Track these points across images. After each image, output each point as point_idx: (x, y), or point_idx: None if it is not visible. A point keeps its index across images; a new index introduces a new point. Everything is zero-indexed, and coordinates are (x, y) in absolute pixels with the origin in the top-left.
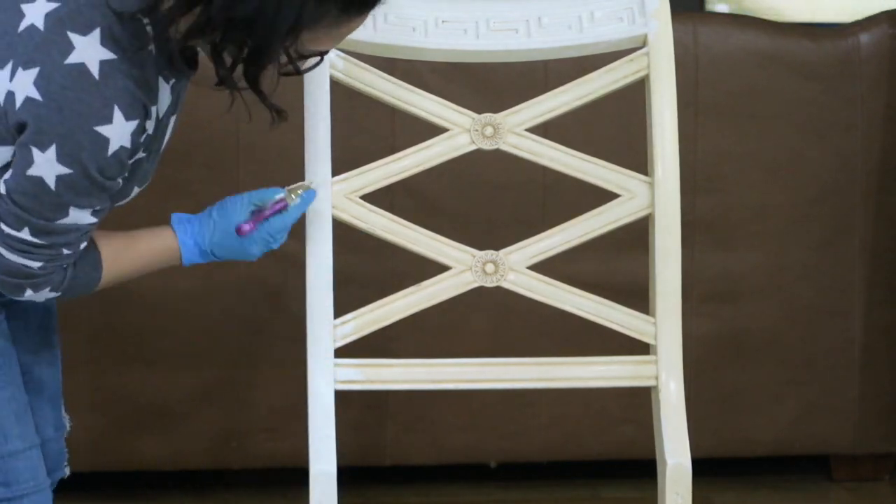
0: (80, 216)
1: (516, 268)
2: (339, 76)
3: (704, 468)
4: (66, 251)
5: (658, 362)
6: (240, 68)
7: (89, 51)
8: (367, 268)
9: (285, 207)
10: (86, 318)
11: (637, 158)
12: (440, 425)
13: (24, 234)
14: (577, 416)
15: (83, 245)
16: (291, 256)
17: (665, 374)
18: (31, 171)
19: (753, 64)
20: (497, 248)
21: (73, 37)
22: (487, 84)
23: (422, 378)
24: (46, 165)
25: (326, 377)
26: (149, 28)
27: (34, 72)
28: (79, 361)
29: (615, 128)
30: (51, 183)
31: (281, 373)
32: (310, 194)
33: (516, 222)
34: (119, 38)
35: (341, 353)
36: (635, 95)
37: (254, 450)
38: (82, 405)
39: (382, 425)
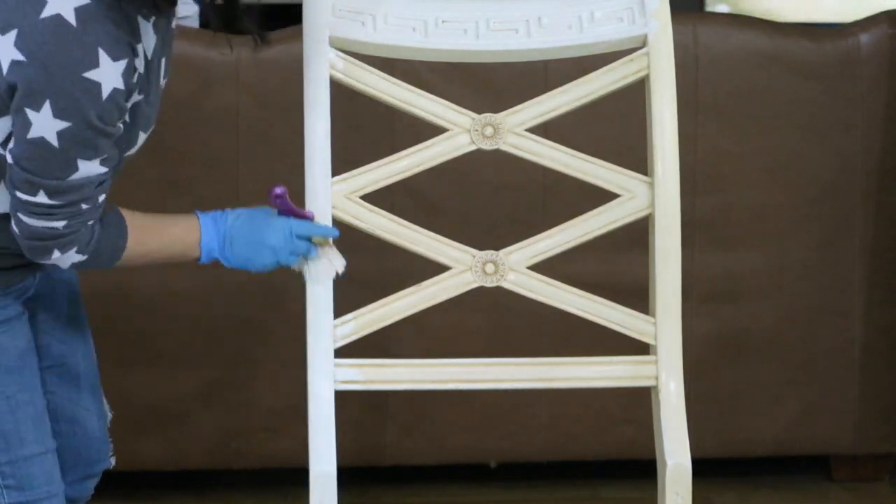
0: (89, 168)
1: (516, 268)
2: (339, 76)
3: (704, 468)
4: (84, 206)
5: (658, 362)
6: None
7: (61, 1)
8: (367, 268)
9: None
10: None
11: (637, 158)
12: (440, 425)
13: (41, 198)
14: (577, 416)
15: (101, 199)
16: None
17: (665, 374)
18: (32, 134)
19: (753, 64)
20: (497, 248)
21: None
22: (487, 84)
23: (422, 378)
24: (45, 124)
25: (326, 377)
26: None
27: (13, 34)
28: None
29: (615, 128)
30: (53, 141)
31: (281, 373)
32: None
33: (516, 222)
34: None
35: (341, 353)
36: (635, 95)
37: (254, 450)
38: None
39: (382, 425)
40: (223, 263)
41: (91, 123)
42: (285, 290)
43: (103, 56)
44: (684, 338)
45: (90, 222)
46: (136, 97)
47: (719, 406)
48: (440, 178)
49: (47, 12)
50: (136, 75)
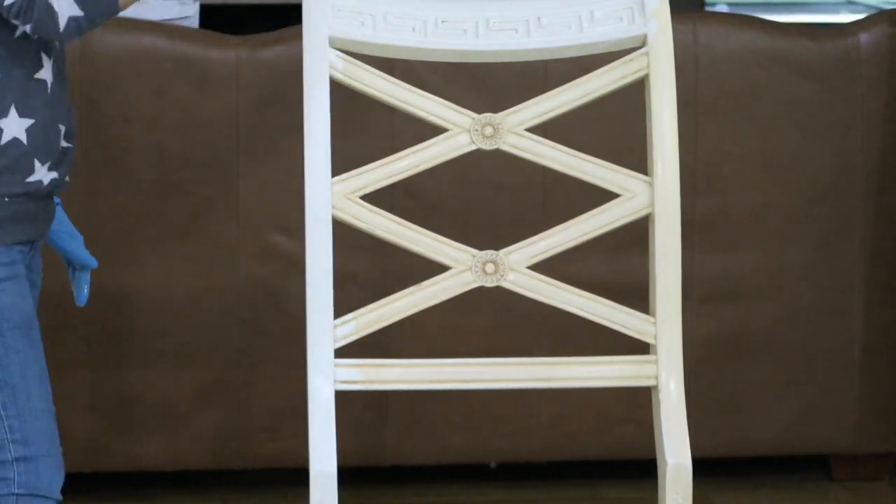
0: None
1: (516, 268)
2: (339, 76)
3: (704, 468)
4: None
5: (658, 362)
6: None
7: None
8: (367, 268)
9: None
10: (86, 319)
11: (637, 158)
12: (440, 425)
13: None
14: (577, 416)
15: None
16: (291, 256)
17: (665, 374)
18: None
19: (753, 64)
20: (497, 248)
21: None
22: (487, 84)
23: (422, 378)
24: None
25: (326, 377)
26: None
27: None
28: (79, 362)
29: (615, 128)
30: None
31: (281, 373)
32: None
33: (516, 222)
34: None
35: (341, 353)
36: (635, 95)
37: (254, 450)
38: (82, 405)
39: (382, 425)
40: None
41: None
42: (285, 290)
43: None
44: (684, 338)
45: None
46: None
47: (719, 406)
48: (440, 178)
49: None
50: None
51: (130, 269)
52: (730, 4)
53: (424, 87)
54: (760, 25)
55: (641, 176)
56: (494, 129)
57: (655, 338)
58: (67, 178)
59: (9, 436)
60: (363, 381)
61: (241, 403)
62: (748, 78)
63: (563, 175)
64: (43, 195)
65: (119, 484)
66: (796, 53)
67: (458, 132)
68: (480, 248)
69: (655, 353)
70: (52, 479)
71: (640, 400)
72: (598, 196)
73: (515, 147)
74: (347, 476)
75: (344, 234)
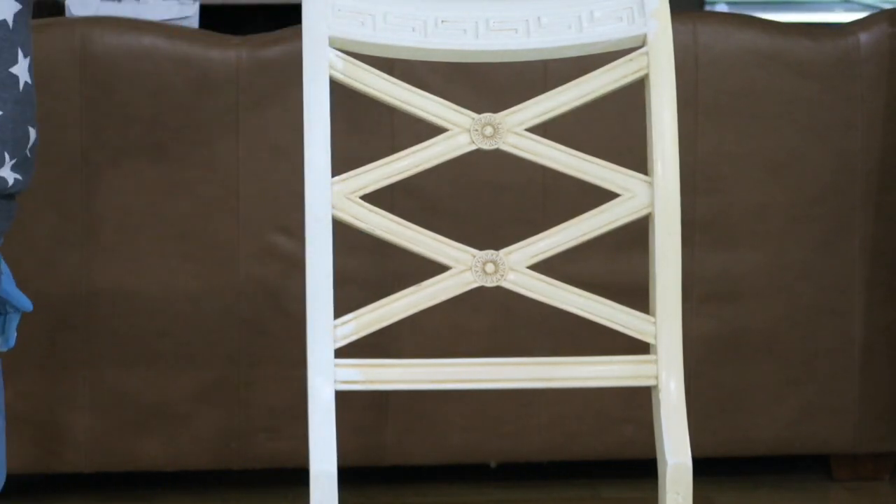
0: None
1: (516, 268)
2: (339, 76)
3: (704, 468)
4: None
5: (658, 362)
6: None
7: None
8: (367, 268)
9: None
10: (85, 319)
11: (637, 158)
12: (440, 425)
13: None
14: (577, 416)
15: None
16: (291, 256)
17: (665, 374)
18: None
19: (753, 64)
20: (497, 248)
21: None
22: (487, 84)
23: (422, 378)
24: None
25: (326, 377)
26: None
27: None
28: (78, 362)
29: (615, 128)
30: None
31: (281, 373)
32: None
33: (516, 222)
34: None
35: (341, 353)
36: (635, 95)
37: (254, 450)
38: (82, 405)
39: (382, 425)
40: None
41: None
42: (285, 290)
43: None
44: (684, 338)
45: None
46: None
47: (719, 406)
48: (440, 178)
49: None
50: None
51: (130, 269)
52: (729, 3)
53: (424, 87)
54: (760, 25)
55: (641, 176)
56: (494, 129)
57: (655, 338)
58: (26, 187)
59: None
60: (363, 381)
61: (241, 403)
62: (748, 78)
63: (563, 175)
64: (4, 196)
65: (119, 484)
66: (796, 53)
67: (458, 132)
68: (480, 248)
69: (655, 352)
70: None
71: (640, 400)
72: (598, 196)
73: (515, 147)
74: (347, 476)
75: (344, 234)
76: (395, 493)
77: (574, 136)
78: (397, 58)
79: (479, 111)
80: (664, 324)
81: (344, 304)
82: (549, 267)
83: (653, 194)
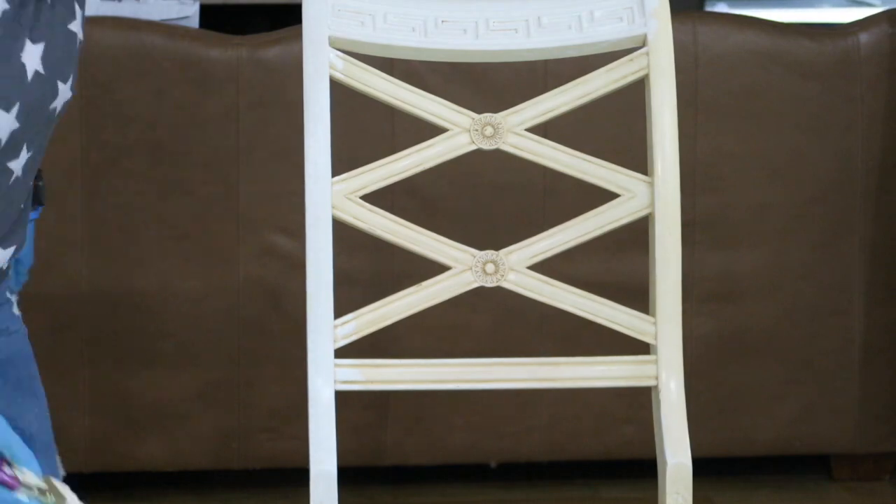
0: None
1: (516, 268)
2: (339, 76)
3: (704, 468)
4: None
5: (658, 362)
6: None
7: None
8: (367, 268)
9: (14, 486)
10: (86, 319)
11: (637, 158)
12: (440, 425)
13: None
14: (577, 416)
15: None
16: (291, 256)
17: (665, 374)
18: None
19: (753, 64)
20: (497, 248)
21: None
22: (487, 84)
23: (422, 378)
24: None
25: (326, 377)
26: None
27: None
28: (79, 362)
29: (615, 128)
30: None
31: (281, 373)
32: None
33: (516, 222)
34: None
35: (341, 353)
36: (635, 95)
37: (254, 450)
38: (82, 405)
39: (382, 425)
40: None
41: None
42: (285, 290)
43: None
44: (684, 338)
45: None
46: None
47: (719, 405)
48: (440, 178)
49: None
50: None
51: (130, 269)
52: (728, 2)
53: (424, 87)
54: (760, 25)
55: (641, 176)
56: (494, 129)
57: (655, 338)
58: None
59: None
60: (363, 381)
61: (241, 403)
62: (748, 78)
63: (563, 175)
64: None
65: (119, 484)
66: (796, 53)
67: (458, 132)
68: (480, 248)
69: (655, 353)
70: None
71: (640, 400)
72: (598, 196)
73: (515, 147)
74: (347, 476)
75: (344, 234)
76: (395, 493)
77: (574, 136)
78: (397, 58)
79: (479, 111)
80: (664, 324)
81: (344, 304)
82: (549, 267)
83: (653, 194)
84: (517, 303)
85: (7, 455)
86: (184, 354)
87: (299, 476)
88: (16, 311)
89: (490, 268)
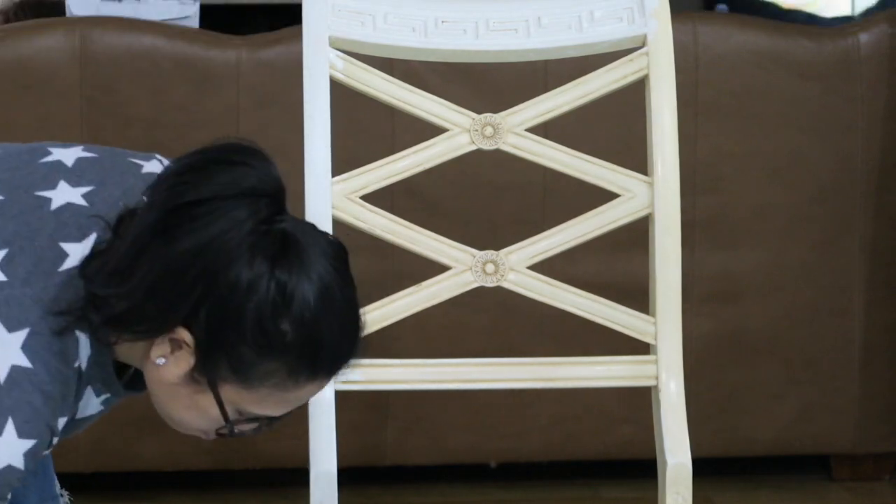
0: None
1: (516, 268)
2: (339, 76)
3: (704, 468)
4: None
5: (658, 362)
6: None
7: (5, 350)
8: (367, 268)
9: None
10: None
11: (637, 158)
12: (440, 425)
13: None
14: (577, 416)
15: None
16: None
17: (665, 374)
18: None
19: (753, 64)
20: (497, 248)
21: None
22: (487, 84)
23: (422, 378)
24: None
25: None
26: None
27: None
28: None
29: (615, 128)
30: None
31: None
32: None
33: (516, 222)
34: (44, 348)
35: None
36: (635, 95)
37: (254, 450)
38: None
39: (382, 425)
40: None
41: None
42: None
43: (9, 427)
44: (684, 338)
45: None
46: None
47: (719, 406)
48: (440, 178)
49: None
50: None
51: None
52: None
53: (424, 87)
54: (760, 25)
55: (641, 176)
56: (494, 129)
57: (655, 338)
58: None
59: None
60: (363, 381)
61: None
62: (748, 78)
63: (563, 175)
64: None
65: (119, 484)
66: (796, 53)
67: (458, 132)
68: (480, 248)
69: (655, 353)
70: None
71: (640, 400)
72: (598, 196)
73: (515, 147)
74: (347, 476)
75: (344, 234)
76: (395, 493)
77: (574, 136)
78: (397, 58)
79: (479, 111)
80: (664, 324)
81: None
82: (548, 267)
83: (653, 194)
84: (517, 303)
85: None
86: None
87: (299, 476)
88: None
89: (490, 268)
